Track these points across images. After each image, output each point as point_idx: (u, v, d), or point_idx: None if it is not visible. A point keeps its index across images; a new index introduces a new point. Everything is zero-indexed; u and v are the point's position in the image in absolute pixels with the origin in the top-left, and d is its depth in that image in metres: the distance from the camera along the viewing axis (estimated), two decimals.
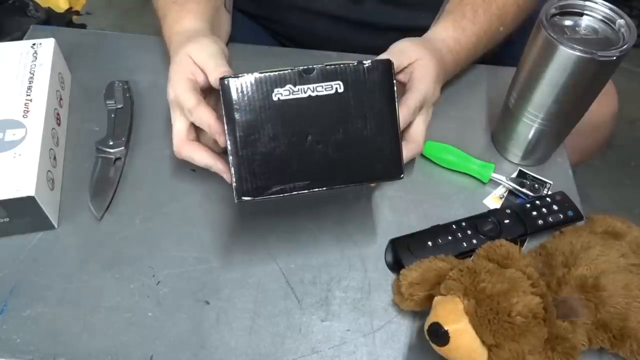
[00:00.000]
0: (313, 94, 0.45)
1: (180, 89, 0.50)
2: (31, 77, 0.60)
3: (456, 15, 0.63)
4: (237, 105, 0.45)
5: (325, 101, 0.45)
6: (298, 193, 0.46)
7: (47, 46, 0.63)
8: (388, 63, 0.47)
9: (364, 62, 0.46)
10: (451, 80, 0.67)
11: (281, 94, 0.45)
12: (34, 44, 0.63)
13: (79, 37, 0.77)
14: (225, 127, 0.45)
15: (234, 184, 0.45)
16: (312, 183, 0.46)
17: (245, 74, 0.45)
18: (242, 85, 0.44)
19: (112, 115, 0.63)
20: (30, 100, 0.57)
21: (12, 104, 0.57)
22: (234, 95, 0.44)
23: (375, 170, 0.48)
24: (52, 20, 1.52)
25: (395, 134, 0.47)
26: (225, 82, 0.44)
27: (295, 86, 0.45)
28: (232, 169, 0.45)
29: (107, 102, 0.64)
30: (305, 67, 0.45)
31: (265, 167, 0.45)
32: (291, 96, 0.45)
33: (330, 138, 0.46)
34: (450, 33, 0.62)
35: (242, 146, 0.45)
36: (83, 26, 1.69)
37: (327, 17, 0.76)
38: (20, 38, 0.68)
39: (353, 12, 0.75)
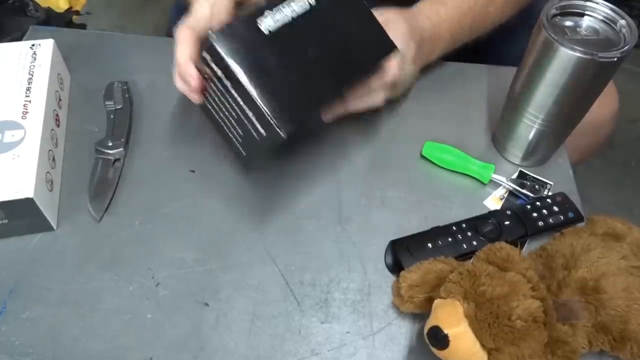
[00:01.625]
0: (294, 15, 0.47)
1: None
2: (30, 78, 0.60)
3: None
4: (235, 51, 0.45)
5: (307, 16, 0.48)
6: (328, 103, 0.50)
7: (46, 47, 0.63)
8: None
9: None
10: (452, 80, 0.66)
11: (269, 25, 0.46)
12: (33, 45, 0.63)
13: (79, 37, 0.77)
14: (238, 72, 0.45)
15: (274, 122, 0.45)
16: (334, 89, 0.50)
17: (227, 23, 0.46)
18: (231, 32, 0.46)
19: (111, 116, 0.63)
20: (29, 102, 0.57)
21: (11, 105, 0.57)
22: (229, 45, 0.45)
23: (374, 54, 0.52)
24: (51, 20, 1.51)
25: (372, 18, 0.52)
26: (214, 35, 0.45)
27: (272, 10, 0.46)
28: (266, 110, 0.45)
29: (107, 103, 0.64)
30: None
31: (290, 94, 0.47)
32: (278, 24, 0.47)
33: (327, 45, 0.49)
34: (428, 5, 0.63)
35: (257, 85, 0.45)
36: (83, 26, 1.68)
37: None
38: (19, 38, 0.68)
39: None
